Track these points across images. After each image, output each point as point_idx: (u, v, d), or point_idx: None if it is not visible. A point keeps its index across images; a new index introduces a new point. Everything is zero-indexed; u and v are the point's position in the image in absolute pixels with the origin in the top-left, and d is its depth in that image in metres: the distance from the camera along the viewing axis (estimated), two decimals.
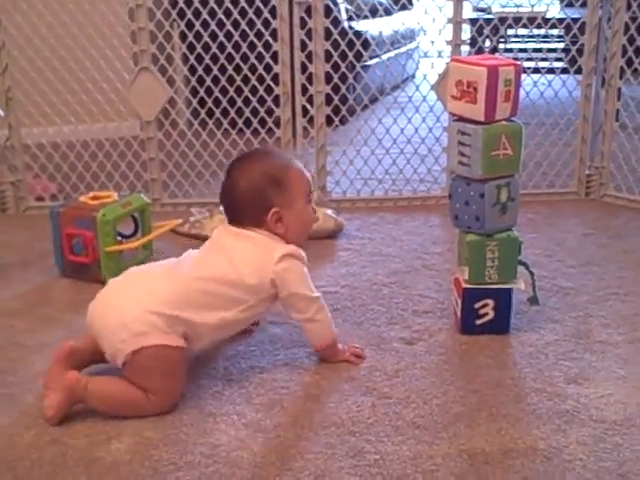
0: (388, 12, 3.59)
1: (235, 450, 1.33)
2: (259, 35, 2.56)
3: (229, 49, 2.59)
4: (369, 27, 3.68)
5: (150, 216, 2.17)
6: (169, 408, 1.44)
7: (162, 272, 1.54)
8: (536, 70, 2.68)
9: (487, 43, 2.67)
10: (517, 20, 2.67)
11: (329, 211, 2.40)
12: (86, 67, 2.64)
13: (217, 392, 1.51)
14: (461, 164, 1.65)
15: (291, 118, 2.62)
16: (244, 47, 2.58)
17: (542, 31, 2.86)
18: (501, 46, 3.83)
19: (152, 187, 2.66)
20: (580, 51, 2.62)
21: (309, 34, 2.54)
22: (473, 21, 2.70)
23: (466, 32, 2.63)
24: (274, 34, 2.55)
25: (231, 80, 2.63)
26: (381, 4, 3.78)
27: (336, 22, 2.62)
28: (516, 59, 1.80)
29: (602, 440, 1.34)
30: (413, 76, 4.82)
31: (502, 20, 2.65)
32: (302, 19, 2.53)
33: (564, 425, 1.39)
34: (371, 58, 3.55)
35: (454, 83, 1.63)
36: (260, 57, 2.59)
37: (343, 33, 2.64)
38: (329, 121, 2.66)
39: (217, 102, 2.64)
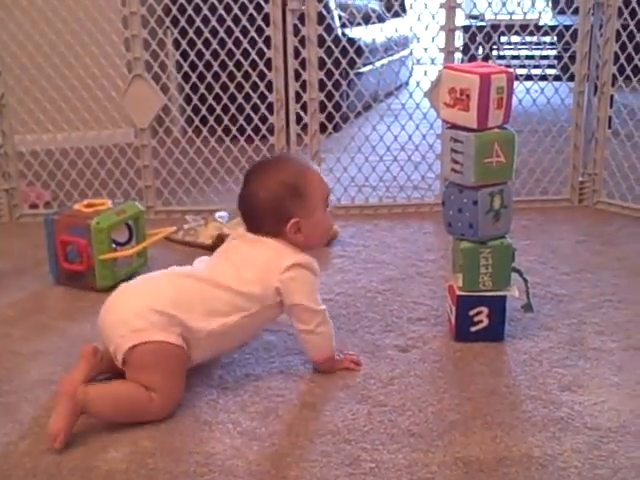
0: (381, 19, 3.59)
1: (230, 458, 1.33)
2: (252, 42, 2.57)
3: (222, 56, 2.60)
4: (362, 34, 3.69)
5: (144, 224, 2.17)
6: (171, 408, 1.45)
7: (170, 275, 1.56)
8: (528, 77, 2.69)
9: (480, 50, 2.68)
10: (509, 27, 2.68)
11: None
12: (80, 74, 2.64)
13: (212, 400, 1.51)
14: (454, 171, 1.65)
15: (285, 125, 2.62)
16: (237, 54, 2.59)
17: (534, 38, 2.87)
18: (494, 53, 3.84)
19: (146, 194, 2.66)
20: (572, 58, 2.63)
21: (302, 41, 2.55)
22: (466, 28, 2.71)
23: (459, 39, 2.64)
24: (267, 41, 2.55)
25: (225, 87, 2.63)
26: (374, 11, 3.78)
27: (329, 29, 2.63)
28: (508, 66, 1.81)
29: (597, 447, 1.35)
30: (406, 83, 4.84)
31: (495, 27, 2.66)
32: (295, 26, 2.53)
33: (559, 432, 1.39)
34: (364, 65, 3.56)
35: (447, 90, 1.63)
36: (254, 64, 2.59)
37: (336, 40, 2.64)
38: (323, 128, 2.66)
39: (211, 109, 2.64)
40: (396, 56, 4.58)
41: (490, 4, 2.62)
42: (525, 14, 2.70)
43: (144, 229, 2.16)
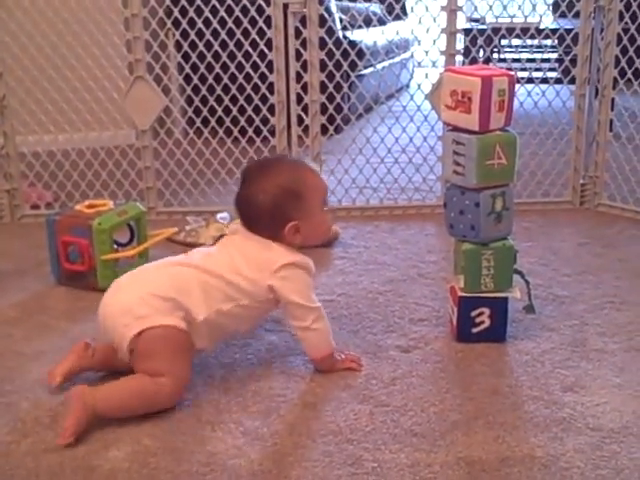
0: (382, 22, 3.59)
1: (232, 458, 1.33)
2: (254, 44, 2.57)
3: (224, 58, 2.60)
4: (363, 37, 3.70)
5: (146, 224, 2.17)
6: (180, 394, 1.46)
7: (165, 264, 1.57)
8: (530, 80, 2.69)
9: (481, 53, 2.69)
10: (510, 30, 2.69)
11: None
12: (81, 76, 2.64)
13: (214, 400, 1.51)
14: (456, 173, 1.66)
15: (286, 127, 2.63)
16: (239, 56, 2.59)
17: (535, 41, 2.87)
18: (495, 56, 3.84)
19: (147, 195, 2.67)
20: (573, 61, 2.64)
21: (304, 44, 2.55)
22: (467, 31, 2.72)
23: (460, 42, 2.64)
24: (269, 43, 2.56)
25: (226, 89, 2.64)
26: (375, 14, 3.79)
27: (331, 32, 2.64)
28: (510, 69, 1.81)
29: (599, 448, 1.35)
30: (407, 85, 4.85)
31: (495, 30, 2.66)
32: (297, 29, 2.54)
33: (561, 433, 1.39)
34: (366, 67, 3.56)
35: (448, 93, 1.63)
36: (255, 66, 2.60)
37: (338, 43, 2.65)
38: (324, 130, 2.67)
39: (212, 111, 2.65)
40: (397, 59, 4.59)
41: (491, 7, 2.63)
42: (526, 17, 2.70)
43: (145, 230, 2.16)
